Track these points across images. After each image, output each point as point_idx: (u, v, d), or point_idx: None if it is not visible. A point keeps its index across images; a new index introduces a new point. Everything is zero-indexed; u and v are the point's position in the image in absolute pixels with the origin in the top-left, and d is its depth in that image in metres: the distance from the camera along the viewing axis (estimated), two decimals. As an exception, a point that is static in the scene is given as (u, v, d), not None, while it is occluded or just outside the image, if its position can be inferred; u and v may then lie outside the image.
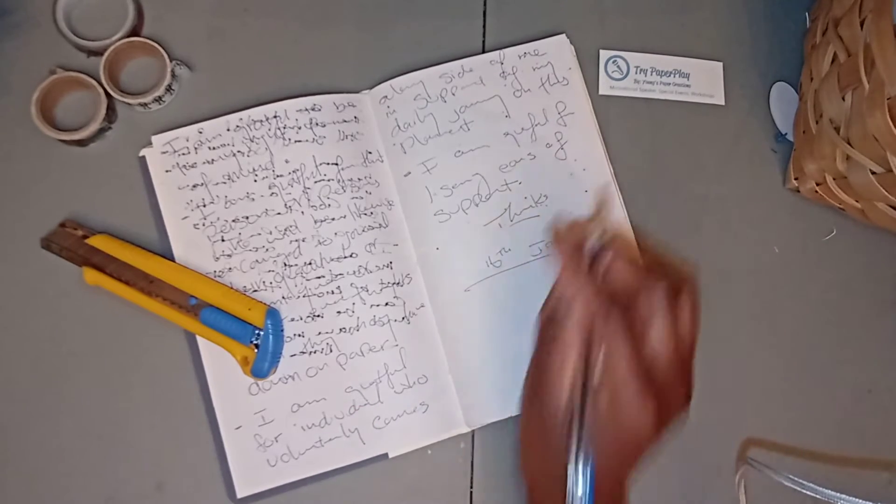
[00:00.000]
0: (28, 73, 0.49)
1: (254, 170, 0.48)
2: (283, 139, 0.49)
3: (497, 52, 0.51)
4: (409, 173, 0.49)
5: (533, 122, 0.51)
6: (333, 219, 0.48)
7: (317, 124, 0.49)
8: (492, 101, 0.51)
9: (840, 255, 0.52)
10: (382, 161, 0.50)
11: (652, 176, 0.51)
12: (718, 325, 0.50)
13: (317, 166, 0.48)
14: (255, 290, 0.47)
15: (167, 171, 0.48)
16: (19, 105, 0.48)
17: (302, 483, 0.46)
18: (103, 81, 0.48)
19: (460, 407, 0.47)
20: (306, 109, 0.49)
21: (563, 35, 0.52)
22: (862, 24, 0.42)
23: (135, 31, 0.50)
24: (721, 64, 0.53)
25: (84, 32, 0.50)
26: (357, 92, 0.51)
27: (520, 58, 0.51)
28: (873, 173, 0.42)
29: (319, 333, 0.47)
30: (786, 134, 0.53)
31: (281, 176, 0.48)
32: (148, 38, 0.49)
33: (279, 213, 0.48)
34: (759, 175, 0.52)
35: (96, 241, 0.46)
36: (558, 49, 0.52)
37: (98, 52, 0.49)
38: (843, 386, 0.50)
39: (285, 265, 0.47)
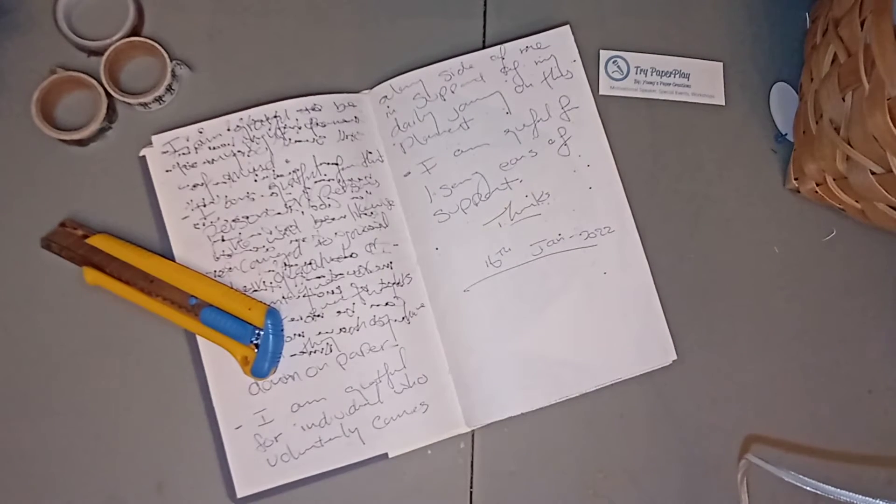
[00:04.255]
0: (28, 72, 0.49)
1: (254, 170, 0.48)
2: (284, 139, 0.49)
3: (498, 46, 0.51)
4: (409, 173, 0.49)
5: (535, 117, 0.51)
6: (333, 219, 0.48)
7: (317, 124, 0.49)
8: (492, 98, 0.50)
9: (840, 256, 0.52)
10: (382, 161, 0.50)
11: (652, 176, 0.51)
12: (719, 325, 0.50)
13: (317, 166, 0.48)
14: (255, 290, 0.47)
15: (167, 171, 0.48)
16: (19, 105, 0.48)
17: (302, 483, 0.46)
18: (103, 81, 0.48)
19: (460, 407, 0.47)
20: (306, 109, 0.49)
21: (567, 26, 0.52)
22: (862, 25, 0.42)
23: (135, 31, 0.50)
24: (721, 64, 0.53)
25: (84, 32, 0.50)
26: (357, 92, 0.51)
27: (521, 52, 0.51)
28: (873, 173, 0.42)
29: (319, 333, 0.47)
30: (786, 134, 0.53)
31: (281, 176, 0.48)
32: (148, 38, 0.49)
33: (279, 213, 0.48)
34: (759, 175, 0.52)
35: (96, 241, 0.46)
36: (561, 41, 0.52)
37: (98, 52, 0.49)
38: (844, 386, 0.50)
39: (285, 265, 0.47)
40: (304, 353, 0.47)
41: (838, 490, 0.37)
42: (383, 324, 0.47)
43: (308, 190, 0.48)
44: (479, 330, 0.47)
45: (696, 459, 0.48)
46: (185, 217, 0.48)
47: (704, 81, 0.53)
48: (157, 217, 0.48)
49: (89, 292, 0.47)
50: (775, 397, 0.49)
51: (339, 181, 0.48)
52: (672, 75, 0.53)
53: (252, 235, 0.48)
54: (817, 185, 0.49)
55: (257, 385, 0.46)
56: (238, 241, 0.48)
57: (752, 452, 0.45)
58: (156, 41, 0.49)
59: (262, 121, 0.49)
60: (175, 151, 0.49)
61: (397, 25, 0.53)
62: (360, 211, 0.48)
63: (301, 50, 0.52)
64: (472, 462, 0.47)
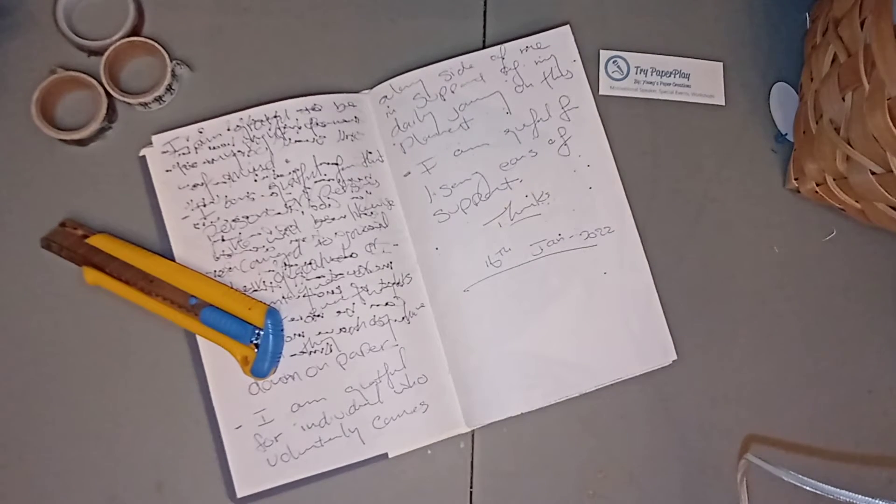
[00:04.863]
0: (28, 72, 0.49)
1: (254, 169, 0.48)
2: (284, 139, 0.49)
3: (498, 46, 0.51)
4: (409, 173, 0.49)
5: (535, 117, 0.50)
6: (333, 219, 0.48)
7: (317, 124, 0.49)
8: (492, 98, 0.50)
9: (840, 256, 0.52)
10: (382, 161, 0.50)
11: (652, 176, 0.51)
12: (719, 325, 0.50)
13: (317, 166, 0.48)
14: (255, 290, 0.47)
15: (167, 171, 0.48)
16: (19, 105, 0.48)
17: (302, 483, 0.46)
18: (104, 81, 0.48)
19: (460, 407, 0.47)
20: (306, 109, 0.49)
21: (567, 26, 0.52)
22: (862, 25, 0.42)
23: (135, 31, 0.50)
24: (721, 64, 0.53)
25: (84, 32, 0.50)
26: (357, 92, 0.51)
27: (521, 52, 0.51)
28: (873, 174, 0.42)
29: (319, 333, 0.47)
30: (786, 134, 0.53)
31: (281, 176, 0.48)
32: (148, 38, 0.49)
33: (279, 213, 0.48)
34: (759, 175, 0.52)
35: (96, 241, 0.46)
36: (562, 41, 0.52)
37: (98, 52, 0.49)
38: (844, 386, 0.50)
39: (285, 265, 0.47)
40: (304, 353, 0.47)
41: (838, 490, 0.37)
42: (383, 324, 0.47)
43: (308, 190, 0.48)
44: (479, 330, 0.47)
45: (696, 459, 0.48)
46: (185, 217, 0.48)
47: (704, 81, 0.53)
48: (157, 217, 0.48)
49: (89, 292, 0.47)
50: (775, 397, 0.49)
51: (339, 181, 0.48)
52: (672, 75, 0.53)
53: (252, 235, 0.48)
54: (817, 185, 0.49)
55: (257, 385, 0.46)
56: (238, 241, 0.48)
57: (752, 452, 0.45)
58: (156, 41, 0.49)
59: (262, 121, 0.49)
60: (175, 151, 0.49)
61: (397, 25, 0.53)
62: (360, 211, 0.48)
63: (301, 50, 0.52)
64: (472, 462, 0.47)
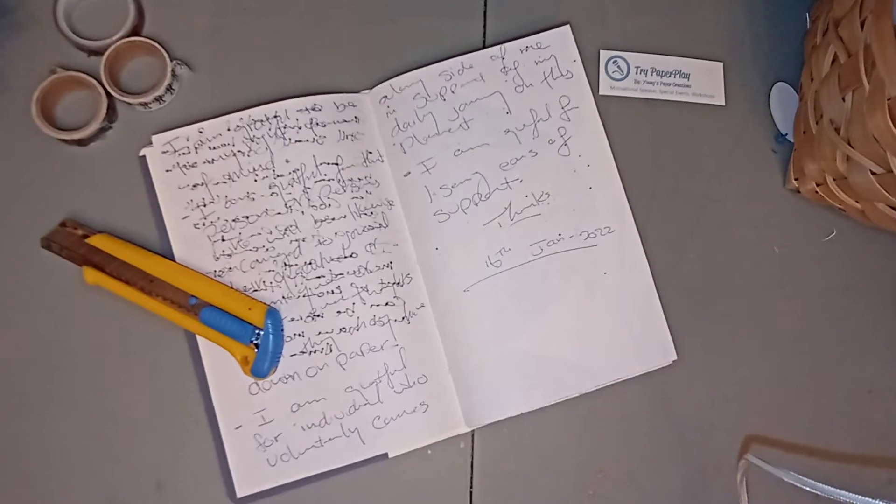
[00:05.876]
0: (28, 72, 0.49)
1: (254, 169, 0.48)
2: (284, 139, 0.49)
3: (498, 46, 0.51)
4: (409, 173, 0.49)
5: (535, 117, 0.50)
6: (333, 219, 0.48)
7: (317, 124, 0.49)
8: (492, 98, 0.50)
9: (840, 256, 0.52)
10: (383, 161, 0.50)
11: (652, 176, 0.51)
12: (719, 325, 0.50)
13: (317, 166, 0.48)
14: (255, 290, 0.47)
15: (167, 171, 0.48)
16: (19, 104, 0.48)
17: (302, 483, 0.46)
18: (104, 81, 0.48)
19: (460, 407, 0.47)
20: (307, 109, 0.49)
21: (567, 26, 0.52)
22: (862, 25, 0.42)
23: (135, 31, 0.50)
24: (721, 64, 0.53)
25: (84, 32, 0.50)
26: (357, 92, 0.51)
27: (521, 52, 0.51)
28: (873, 174, 0.42)
29: (319, 333, 0.47)
30: (786, 134, 0.53)
31: (281, 176, 0.48)
32: (148, 38, 0.49)
33: (279, 213, 0.48)
34: (759, 175, 0.52)
35: (96, 241, 0.46)
36: (562, 41, 0.52)
37: (98, 52, 0.49)
38: (843, 386, 0.50)
39: (285, 265, 0.47)
40: (304, 353, 0.47)
41: (838, 490, 0.37)
42: (383, 324, 0.47)
43: (308, 190, 0.48)
44: (479, 330, 0.47)
45: (696, 459, 0.48)
46: (185, 217, 0.48)
47: (704, 81, 0.53)
48: (157, 217, 0.48)
49: (89, 292, 0.47)
50: (775, 397, 0.49)
51: (339, 181, 0.48)
52: (672, 75, 0.53)
53: (252, 235, 0.48)
54: (817, 185, 0.49)
55: (257, 385, 0.46)
56: (238, 241, 0.48)
57: (752, 452, 0.45)
58: (156, 41, 0.49)
59: (262, 121, 0.49)
60: (175, 151, 0.49)
61: (397, 25, 0.53)
62: (360, 211, 0.48)
63: (301, 50, 0.52)
64: (472, 462, 0.47)
